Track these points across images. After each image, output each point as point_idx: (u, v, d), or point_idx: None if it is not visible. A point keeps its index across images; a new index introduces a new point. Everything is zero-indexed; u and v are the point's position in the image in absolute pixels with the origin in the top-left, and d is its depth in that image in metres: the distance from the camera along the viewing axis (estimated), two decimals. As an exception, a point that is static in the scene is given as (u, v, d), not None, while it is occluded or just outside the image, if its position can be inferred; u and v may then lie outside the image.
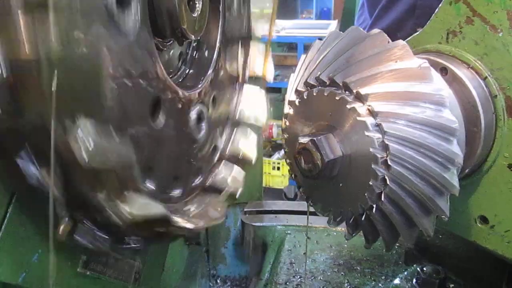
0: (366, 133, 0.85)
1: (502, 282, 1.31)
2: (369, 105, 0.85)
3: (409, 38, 1.15)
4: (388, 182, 0.85)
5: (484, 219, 1.07)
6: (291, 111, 1.03)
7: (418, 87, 0.86)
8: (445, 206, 0.88)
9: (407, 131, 0.83)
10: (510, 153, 1.01)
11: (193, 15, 0.96)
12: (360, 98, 0.86)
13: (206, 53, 1.17)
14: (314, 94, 0.94)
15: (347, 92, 0.89)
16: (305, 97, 0.97)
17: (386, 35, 0.92)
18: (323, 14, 7.43)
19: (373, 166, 0.85)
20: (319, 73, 0.94)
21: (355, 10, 6.03)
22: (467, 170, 1.04)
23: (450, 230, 1.15)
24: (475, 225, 1.09)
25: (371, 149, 0.84)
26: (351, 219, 1.00)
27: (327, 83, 0.93)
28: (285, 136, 1.06)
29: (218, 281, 2.53)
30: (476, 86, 1.01)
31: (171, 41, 1.03)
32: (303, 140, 0.91)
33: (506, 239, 1.04)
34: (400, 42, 0.89)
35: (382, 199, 0.87)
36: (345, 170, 0.90)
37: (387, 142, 0.83)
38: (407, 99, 0.85)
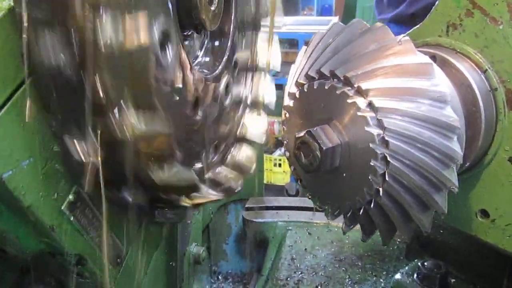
0: (367, 129, 0.84)
1: (503, 277, 1.31)
2: (370, 100, 0.85)
3: (408, 32, 1.14)
4: (387, 178, 0.84)
5: (484, 213, 1.07)
6: (287, 116, 1.04)
7: (419, 83, 0.85)
8: (442, 202, 0.88)
9: (408, 127, 0.83)
10: (511, 146, 1.00)
11: (211, 8, 1.06)
12: (361, 92, 0.86)
13: (220, 42, 1.26)
14: (315, 87, 0.93)
15: (347, 86, 0.88)
16: (305, 90, 0.96)
17: (388, 29, 0.91)
18: (325, 11, 7.41)
19: (372, 162, 0.84)
20: (320, 66, 0.93)
21: (356, 6, 6.02)
22: (467, 164, 1.03)
23: (451, 224, 1.14)
24: (475, 219, 1.08)
25: (371, 145, 0.84)
26: (349, 213, 1.00)
27: (328, 76, 0.92)
28: (285, 141, 1.06)
29: (220, 277, 2.53)
30: (476, 79, 1.00)
31: (191, 32, 1.13)
32: (300, 134, 0.91)
33: (507, 233, 1.04)
34: (400, 37, 0.89)
35: (381, 194, 0.86)
36: (346, 162, 0.90)
37: (387, 138, 0.83)
38: (408, 95, 0.84)
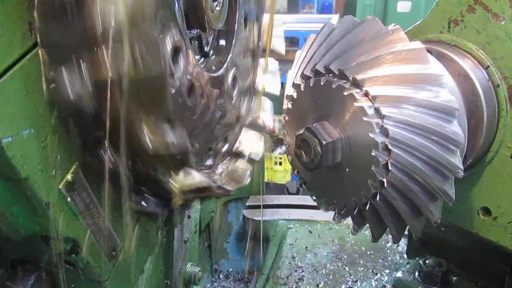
0: (365, 118, 0.83)
1: (505, 274, 1.30)
2: (366, 90, 0.84)
3: (409, 28, 1.13)
4: (390, 167, 0.83)
5: (486, 211, 1.06)
6: (287, 118, 1.03)
7: (413, 68, 0.84)
8: (450, 190, 0.86)
9: (406, 113, 0.82)
10: (513, 143, 0.99)
11: (216, 7, 1.10)
12: (357, 84, 0.85)
13: (226, 39, 1.28)
14: (311, 84, 0.93)
15: (343, 79, 0.88)
16: (302, 89, 0.96)
17: (379, 21, 0.91)
18: (325, 8, 7.39)
19: (373, 152, 0.83)
20: (314, 64, 0.93)
21: (356, 4, 6.01)
22: (469, 161, 1.03)
23: (452, 222, 1.13)
24: (477, 216, 1.08)
25: (370, 134, 0.83)
26: (356, 210, 0.98)
27: (324, 72, 0.92)
28: (287, 145, 1.06)
29: (221, 276, 2.53)
30: (478, 76, 1.00)
31: (197, 31, 1.15)
32: (299, 132, 0.91)
33: (509, 230, 1.03)
34: (390, 26, 0.89)
35: (385, 185, 0.85)
36: (348, 157, 0.89)
37: (386, 126, 0.82)
38: (404, 82, 0.83)
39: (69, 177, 0.92)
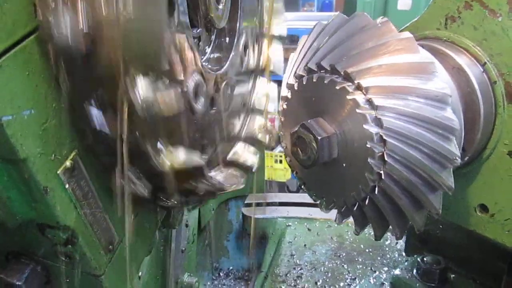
0: (358, 110, 0.83)
1: (503, 272, 1.30)
2: (358, 83, 0.84)
3: (407, 25, 1.13)
4: (386, 159, 0.83)
5: (484, 208, 1.06)
6: (283, 120, 1.04)
7: (404, 59, 0.84)
8: (449, 179, 0.86)
9: (399, 103, 0.82)
10: (510, 140, 0.99)
11: (219, 7, 1.12)
12: (348, 77, 0.86)
13: (227, 39, 1.29)
14: (304, 82, 0.93)
15: (335, 75, 0.88)
16: (295, 88, 0.96)
17: (368, 16, 0.91)
18: (325, 6, 7.38)
19: (369, 144, 0.83)
20: (306, 62, 0.93)
21: (356, 2, 6.00)
22: (466, 158, 1.03)
23: (450, 219, 1.13)
24: (474, 214, 1.07)
25: (364, 126, 0.83)
26: (356, 207, 0.98)
27: (316, 70, 0.92)
28: (284, 146, 1.06)
29: (221, 274, 2.54)
30: (475, 72, 0.99)
31: (199, 30, 1.17)
32: (294, 129, 0.91)
33: (506, 227, 1.03)
34: (379, 19, 0.89)
35: (383, 178, 0.85)
36: (344, 152, 0.89)
37: (380, 117, 0.82)
38: (395, 72, 0.83)
39: (68, 163, 0.91)
